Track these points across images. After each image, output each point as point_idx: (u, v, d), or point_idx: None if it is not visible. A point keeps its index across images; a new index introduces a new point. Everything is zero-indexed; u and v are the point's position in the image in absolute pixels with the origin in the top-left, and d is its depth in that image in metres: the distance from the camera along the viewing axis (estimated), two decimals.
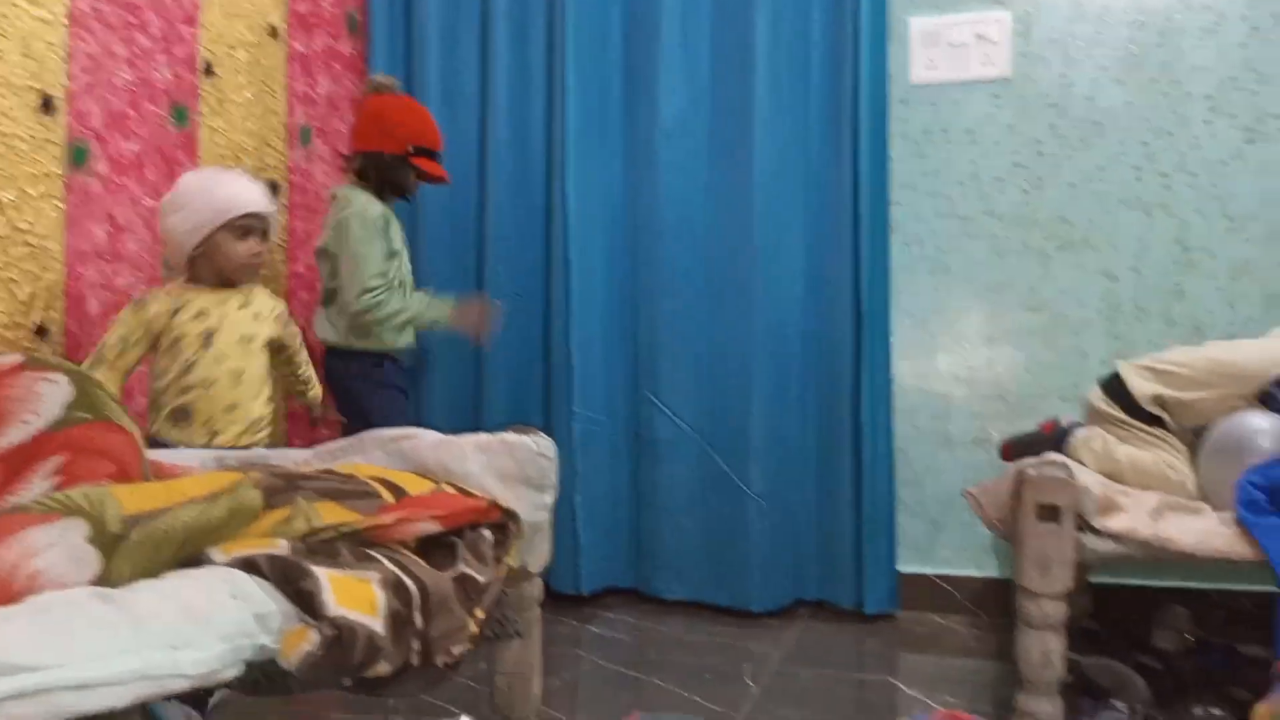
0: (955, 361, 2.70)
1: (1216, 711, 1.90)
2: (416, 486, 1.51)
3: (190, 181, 2.00)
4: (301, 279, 2.62)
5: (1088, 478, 1.87)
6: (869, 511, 2.60)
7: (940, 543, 2.71)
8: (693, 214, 2.70)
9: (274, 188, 2.51)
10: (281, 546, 1.21)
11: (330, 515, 1.34)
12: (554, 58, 2.74)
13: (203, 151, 2.27)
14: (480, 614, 1.43)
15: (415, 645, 1.27)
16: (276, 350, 2.13)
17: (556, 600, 2.70)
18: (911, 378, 2.72)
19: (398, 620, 1.24)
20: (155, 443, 1.94)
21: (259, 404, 2.05)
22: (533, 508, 1.60)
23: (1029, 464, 1.84)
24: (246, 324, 2.04)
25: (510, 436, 1.63)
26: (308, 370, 2.27)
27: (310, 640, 1.13)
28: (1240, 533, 1.76)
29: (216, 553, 1.15)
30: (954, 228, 2.70)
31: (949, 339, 2.71)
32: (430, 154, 2.47)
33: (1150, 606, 2.41)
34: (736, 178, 2.65)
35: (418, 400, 2.79)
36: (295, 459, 1.69)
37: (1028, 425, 2.58)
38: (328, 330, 2.44)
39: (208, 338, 1.98)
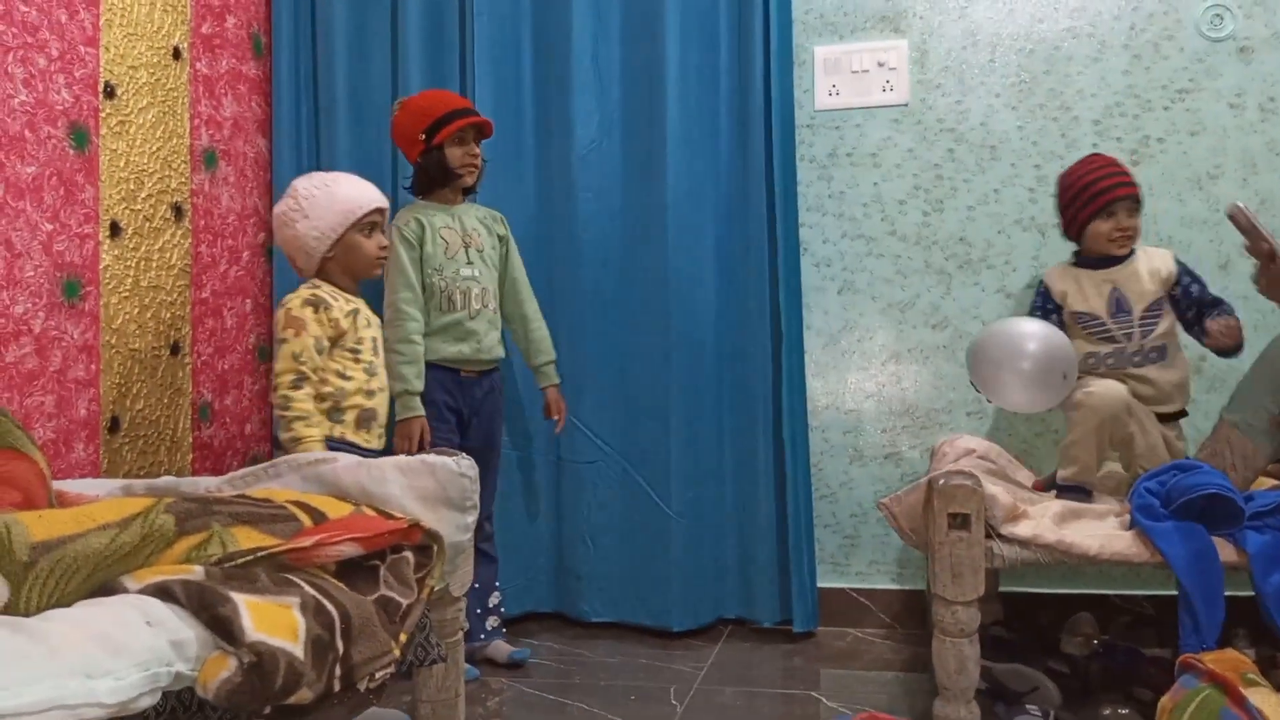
0: (864, 378, 2.77)
1: (1123, 711, 1.97)
2: (335, 510, 1.48)
3: (306, 188, 2.09)
4: (207, 305, 2.56)
5: (994, 487, 1.94)
6: (791, 528, 2.63)
7: (855, 556, 2.76)
8: (609, 237, 2.72)
9: (177, 211, 2.44)
10: (196, 572, 1.18)
11: (247, 540, 1.30)
12: (466, 78, 2.74)
13: (104, 174, 2.20)
14: (403, 637, 1.41)
15: (337, 671, 1.25)
16: None
17: None
18: (823, 395, 2.78)
19: (319, 645, 1.22)
20: (337, 445, 2.02)
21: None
22: (455, 529, 1.59)
23: (938, 474, 1.90)
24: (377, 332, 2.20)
25: (431, 457, 1.61)
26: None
27: (229, 667, 1.10)
28: (1138, 536, 1.83)
29: (129, 580, 1.12)
30: (860, 248, 2.77)
31: (858, 356, 2.77)
32: (449, 119, 2.39)
33: (1057, 613, 2.50)
34: (651, 200, 2.68)
35: None
36: (206, 485, 1.64)
37: (934, 439, 2.67)
38: None
39: (375, 345, 2.14)
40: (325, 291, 2.12)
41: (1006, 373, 2.11)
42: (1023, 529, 1.86)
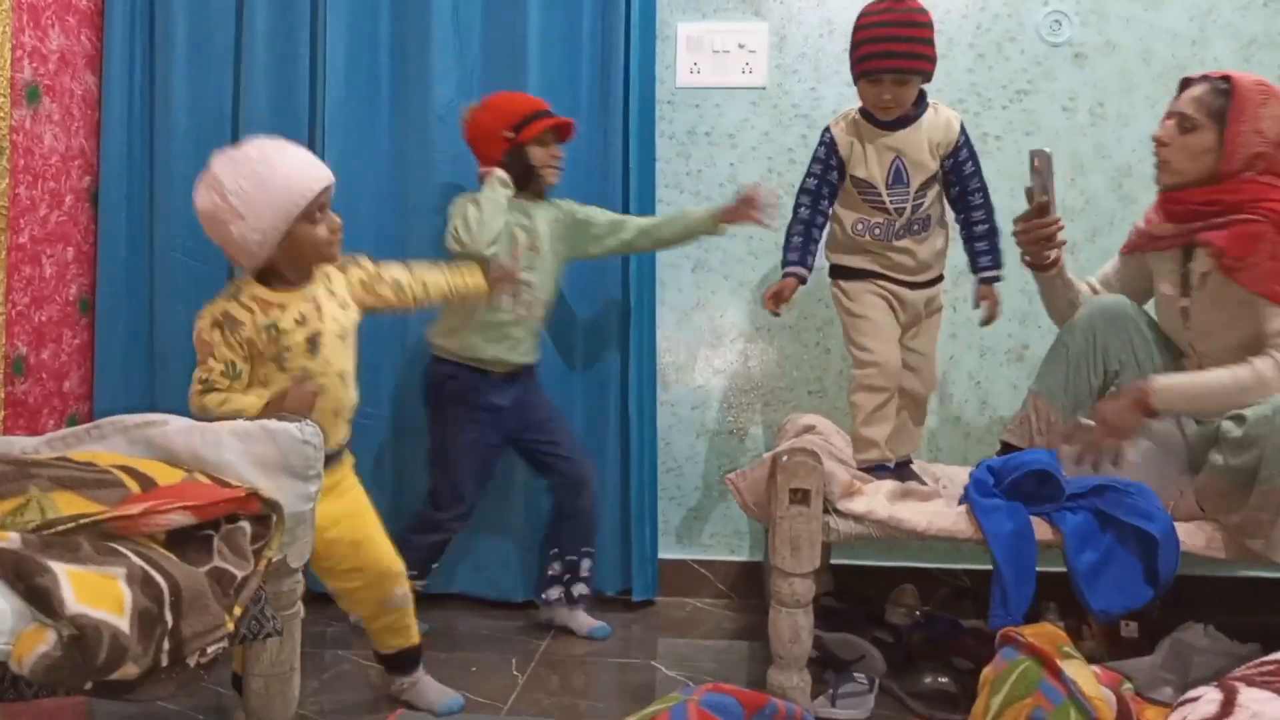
0: (714, 355, 2.82)
1: (943, 679, 2.09)
2: (166, 476, 1.41)
3: (234, 179, 1.70)
4: (24, 251, 2.38)
5: (833, 464, 2.01)
6: (634, 500, 2.65)
7: (697, 529, 2.82)
8: None
9: None
10: (12, 540, 1.11)
11: (68, 506, 1.23)
12: (317, 28, 2.61)
13: None
14: (237, 610, 1.36)
15: (165, 645, 1.20)
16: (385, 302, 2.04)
17: (316, 598, 2.59)
18: (674, 370, 2.81)
19: (146, 618, 1.16)
20: None
21: (352, 395, 1.93)
22: (296, 498, 1.53)
23: (782, 451, 1.96)
24: (340, 316, 1.88)
25: (271, 423, 1.55)
26: (424, 288, 2.13)
27: (47, 641, 1.04)
28: (964, 514, 1.94)
29: None
30: None
31: (709, 333, 2.82)
32: (535, 118, 2.37)
33: (883, 585, 2.62)
34: None
35: None
36: (23, 446, 1.53)
37: (777, 416, 2.75)
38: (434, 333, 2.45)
39: (313, 343, 1.81)
40: (245, 300, 1.79)
41: None
42: (858, 505, 1.94)
